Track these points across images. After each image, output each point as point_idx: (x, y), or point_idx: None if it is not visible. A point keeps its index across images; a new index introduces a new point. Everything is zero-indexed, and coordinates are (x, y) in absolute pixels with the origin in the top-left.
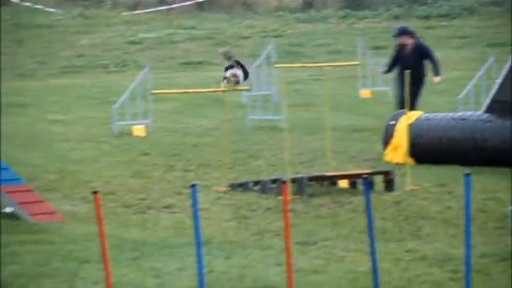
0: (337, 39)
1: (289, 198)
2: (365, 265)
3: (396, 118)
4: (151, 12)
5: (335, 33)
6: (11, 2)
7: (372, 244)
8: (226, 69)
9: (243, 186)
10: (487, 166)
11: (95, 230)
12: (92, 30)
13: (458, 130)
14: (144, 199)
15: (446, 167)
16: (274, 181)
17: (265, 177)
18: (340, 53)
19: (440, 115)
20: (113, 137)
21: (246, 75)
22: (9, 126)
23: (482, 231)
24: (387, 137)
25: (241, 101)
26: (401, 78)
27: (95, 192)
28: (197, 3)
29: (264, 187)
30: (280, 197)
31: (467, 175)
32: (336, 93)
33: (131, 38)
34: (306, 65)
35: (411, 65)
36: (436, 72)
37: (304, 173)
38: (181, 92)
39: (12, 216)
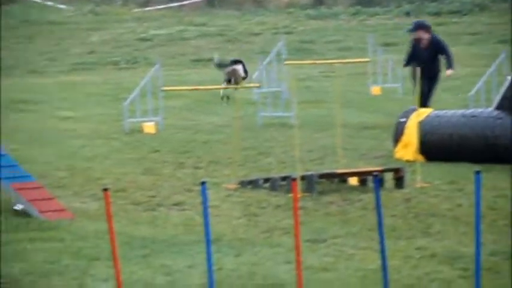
0: (347, 36)
1: (299, 195)
2: (375, 263)
3: (407, 115)
4: (162, 8)
5: (346, 30)
6: None
7: (381, 242)
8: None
9: (253, 184)
10: (497, 163)
11: (105, 227)
12: (102, 27)
13: (469, 127)
14: (154, 196)
15: (457, 164)
16: (284, 178)
17: (275, 174)
18: (350, 50)
19: (450, 112)
20: (123, 134)
21: (245, 71)
22: (19, 123)
23: (492, 229)
24: (397, 134)
25: (252, 98)
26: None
27: (105, 190)
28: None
29: (274, 184)
30: (290, 195)
31: (477, 172)
32: (347, 90)
33: (142, 35)
34: (317, 61)
35: (426, 60)
36: (450, 65)
37: (314, 170)
38: (192, 89)
39: (22, 213)
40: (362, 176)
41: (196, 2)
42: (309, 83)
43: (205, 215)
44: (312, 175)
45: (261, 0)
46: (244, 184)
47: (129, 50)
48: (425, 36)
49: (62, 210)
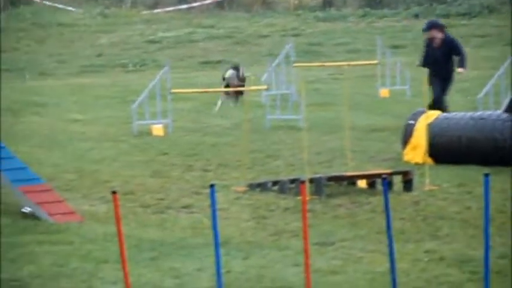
0: (356, 38)
1: (307, 198)
2: (383, 266)
3: (415, 117)
4: (171, 11)
5: (354, 32)
6: (32, 0)
7: (390, 245)
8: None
9: (261, 186)
10: (506, 166)
11: (113, 230)
12: (111, 29)
13: (478, 130)
14: (162, 199)
15: (465, 167)
16: (292, 181)
17: (283, 177)
18: (359, 52)
19: (459, 114)
20: (132, 136)
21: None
22: (28, 125)
23: (501, 232)
24: (406, 136)
25: (260, 101)
26: (432, 74)
27: (114, 192)
28: (217, 1)
29: (282, 187)
30: (299, 197)
31: (486, 175)
32: (355, 93)
33: (151, 37)
34: (325, 64)
35: (439, 59)
36: (462, 64)
37: (322, 173)
38: (201, 92)
39: (31, 216)
40: (371, 178)
41: (205, 4)
42: (317, 85)
43: (214, 218)
44: (320, 178)
45: (270, 2)
46: (252, 187)
47: (138, 52)
48: (438, 35)
49: (70, 212)
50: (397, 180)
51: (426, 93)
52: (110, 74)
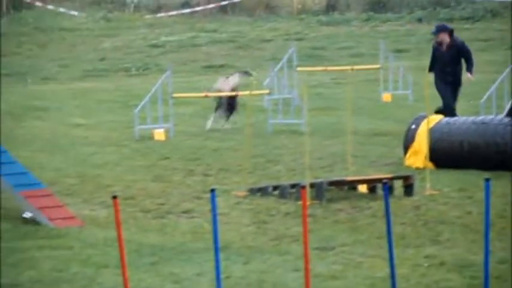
0: (360, 42)
1: (308, 203)
2: (383, 271)
3: (417, 122)
4: (174, 15)
5: (358, 36)
6: (35, 5)
7: (390, 250)
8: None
9: (262, 191)
10: (508, 171)
11: (114, 234)
12: (114, 34)
13: (479, 134)
14: (163, 204)
15: (466, 171)
16: (293, 186)
17: (284, 182)
18: (362, 56)
19: (461, 119)
20: (134, 141)
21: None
22: (30, 130)
23: (501, 236)
24: (408, 141)
25: (262, 105)
26: (440, 78)
27: (114, 197)
28: (220, 6)
29: (283, 192)
30: (300, 202)
31: (487, 180)
32: (358, 97)
33: (154, 41)
34: (328, 68)
35: (447, 63)
36: (470, 70)
37: (323, 177)
38: (203, 96)
39: (31, 221)
40: (371, 183)
41: (208, 8)
42: (320, 89)
43: (214, 223)
44: (321, 182)
45: (273, 6)
46: (253, 191)
47: (141, 56)
48: (447, 39)
49: (71, 217)
50: (398, 185)
51: (428, 98)
52: (112, 78)
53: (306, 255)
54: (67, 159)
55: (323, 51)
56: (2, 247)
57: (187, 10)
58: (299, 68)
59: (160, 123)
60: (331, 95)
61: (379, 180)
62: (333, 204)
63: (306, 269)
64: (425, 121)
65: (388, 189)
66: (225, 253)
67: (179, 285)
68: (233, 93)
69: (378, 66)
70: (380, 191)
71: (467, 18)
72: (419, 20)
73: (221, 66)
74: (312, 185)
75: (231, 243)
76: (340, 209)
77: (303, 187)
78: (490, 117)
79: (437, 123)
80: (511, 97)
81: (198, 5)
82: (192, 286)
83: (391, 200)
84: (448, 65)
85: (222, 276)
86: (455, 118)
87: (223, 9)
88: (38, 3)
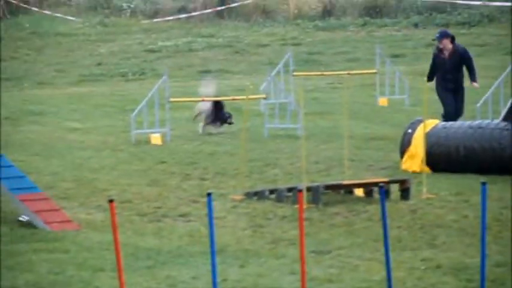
0: (356, 47)
1: (304, 206)
2: (379, 274)
3: (413, 126)
4: (170, 20)
5: (354, 41)
6: (31, 10)
7: (386, 253)
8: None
9: (258, 195)
10: (504, 175)
11: (110, 238)
12: (111, 39)
13: (476, 139)
14: (159, 207)
15: (463, 175)
16: (290, 190)
17: (281, 185)
18: (358, 61)
19: (457, 123)
20: (130, 145)
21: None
22: (27, 134)
23: (497, 240)
24: (404, 145)
25: (259, 109)
26: (442, 85)
27: (110, 201)
28: (217, 11)
29: (279, 196)
30: (296, 206)
31: (483, 184)
32: (354, 102)
33: (150, 46)
34: (325, 73)
35: (449, 69)
36: (474, 78)
37: (320, 181)
38: (198, 100)
39: (27, 224)
40: (368, 187)
41: (204, 13)
42: (316, 94)
43: (211, 226)
44: (318, 186)
45: (270, 11)
46: (250, 195)
47: (137, 61)
48: (449, 45)
49: (67, 221)
50: (395, 188)
51: (425, 103)
52: (109, 83)
53: (302, 259)
54: (63, 163)
55: (319, 56)
56: None
57: (184, 15)
58: (295, 73)
59: (157, 127)
60: (327, 99)
61: (376, 184)
62: (330, 208)
63: (302, 273)
64: (421, 125)
65: (385, 193)
66: (221, 256)
67: None
68: (229, 98)
69: (374, 71)
70: (376, 195)
71: (464, 24)
72: (416, 25)
73: (218, 71)
74: (309, 189)
75: (227, 246)
76: (337, 213)
77: (300, 191)
78: (487, 121)
79: (434, 127)
80: (507, 102)
81: (194, 10)
82: None
83: (388, 204)
84: (450, 72)
85: (218, 279)
86: (451, 122)
87: (219, 14)
88: (35, 9)
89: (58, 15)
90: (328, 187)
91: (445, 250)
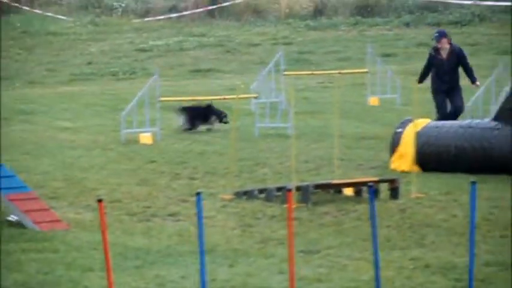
0: (347, 47)
1: (293, 206)
2: (368, 274)
3: (403, 126)
4: (161, 19)
5: (345, 41)
6: (22, 9)
7: (375, 252)
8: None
9: (248, 194)
10: (494, 174)
11: (99, 238)
12: (102, 38)
13: (466, 138)
14: (149, 207)
15: (453, 175)
16: (279, 189)
17: (270, 185)
18: (349, 60)
19: (448, 123)
20: (120, 144)
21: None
22: (18, 133)
23: (486, 239)
24: (394, 144)
25: (250, 109)
26: (438, 86)
27: (99, 200)
28: (208, 10)
29: (269, 195)
30: (285, 205)
31: (473, 183)
32: (345, 101)
33: (141, 45)
34: (315, 72)
35: (447, 70)
36: (474, 77)
37: (310, 180)
38: (189, 100)
39: (16, 224)
40: (357, 186)
41: (196, 12)
42: (307, 93)
43: (200, 226)
44: (307, 186)
45: (261, 10)
46: (239, 195)
47: (128, 60)
48: (447, 45)
49: (56, 220)
50: (384, 188)
51: (416, 102)
52: (100, 82)
53: (291, 258)
54: (54, 162)
55: (310, 56)
56: None
57: (175, 14)
58: (286, 72)
59: (147, 127)
60: (318, 99)
61: (365, 183)
62: (319, 207)
63: (291, 272)
64: (411, 125)
65: (374, 192)
66: (210, 256)
67: None
68: (220, 97)
69: (365, 70)
70: (366, 194)
71: (455, 23)
72: (407, 25)
73: (209, 70)
74: (298, 188)
75: (216, 246)
76: (326, 212)
77: (289, 190)
78: (477, 121)
79: (425, 127)
80: (497, 101)
81: (185, 9)
82: None
83: (377, 203)
84: (447, 73)
85: (207, 279)
86: (442, 122)
87: (211, 14)
88: (26, 8)
89: (49, 14)
90: (318, 186)
91: (434, 249)
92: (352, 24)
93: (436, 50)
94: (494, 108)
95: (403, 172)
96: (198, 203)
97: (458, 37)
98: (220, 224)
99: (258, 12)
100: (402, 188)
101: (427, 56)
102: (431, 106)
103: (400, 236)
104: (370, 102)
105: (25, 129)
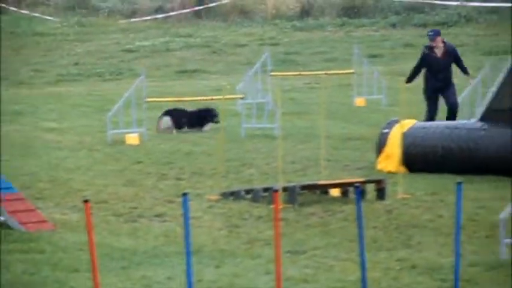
0: (334, 47)
1: (280, 206)
2: (354, 274)
3: (390, 126)
4: (148, 20)
5: (332, 41)
6: (9, 9)
7: (361, 253)
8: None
9: (234, 195)
10: (480, 175)
11: (85, 238)
12: (88, 38)
13: (452, 139)
14: (135, 208)
15: (439, 175)
16: (266, 190)
17: (257, 185)
18: (336, 61)
19: (434, 123)
20: (106, 145)
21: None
22: (4, 134)
23: (472, 240)
24: (380, 145)
25: (236, 109)
26: (431, 85)
27: (85, 201)
28: (194, 11)
29: (255, 196)
30: (272, 206)
31: (458, 184)
32: (331, 102)
33: (127, 46)
34: (302, 73)
35: (442, 69)
36: (468, 73)
37: (296, 181)
38: (176, 100)
39: (2, 224)
40: (344, 187)
41: (182, 13)
42: (293, 94)
43: (186, 227)
44: (294, 186)
45: (248, 11)
46: (226, 195)
47: (114, 61)
48: (441, 44)
49: (42, 221)
50: (370, 188)
51: (402, 103)
52: (86, 83)
53: (277, 259)
54: (40, 163)
55: (297, 56)
56: None
57: (162, 15)
58: (273, 73)
59: (134, 127)
60: (304, 99)
61: (352, 184)
62: (306, 208)
63: (278, 273)
64: (397, 125)
65: (361, 193)
66: (197, 257)
67: None
68: (207, 98)
69: (351, 71)
70: (352, 195)
71: (441, 24)
72: (393, 25)
73: (195, 71)
74: (285, 189)
75: (203, 246)
76: (313, 213)
77: (276, 191)
78: (463, 121)
79: (411, 127)
80: (483, 102)
81: (172, 9)
82: None
83: (364, 204)
84: (442, 71)
85: (194, 279)
86: (429, 123)
87: (197, 14)
88: (13, 8)
89: (36, 15)
90: (304, 187)
91: (420, 250)
92: (339, 25)
93: (431, 48)
94: (480, 109)
95: (389, 173)
96: (185, 203)
97: (445, 38)
98: (206, 225)
99: (244, 13)
100: (389, 189)
101: (419, 55)
102: (418, 107)
103: (387, 237)
104: (357, 103)
105: (12, 130)
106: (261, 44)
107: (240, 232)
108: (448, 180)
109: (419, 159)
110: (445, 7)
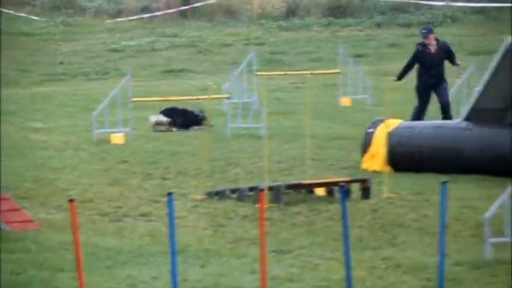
0: (319, 47)
1: (265, 206)
2: (340, 273)
3: (375, 126)
4: (134, 19)
5: (317, 41)
6: None
7: (346, 252)
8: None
9: (220, 194)
10: (465, 174)
11: (70, 238)
12: (74, 38)
13: (438, 138)
14: (120, 207)
15: (425, 175)
16: (251, 189)
17: (242, 185)
18: (322, 61)
19: (421, 124)
20: (92, 144)
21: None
22: None
23: (457, 239)
24: (365, 144)
25: (222, 109)
26: (425, 82)
27: (71, 201)
28: (180, 11)
29: (241, 195)
30: (257, 205)
31: (443, 183)
32: (317, 101)
33: (113, 46)
34: (288, 72)
35: (435, 66)
36: (455, 61)
37: (282, 181)
38: (162, 100)
39: None
40: (329, 186)
41: (168, 13)
42: (279, 94)
43: (171, 226)
44: (279, 186)
45: (233, 11)
46: (211, 195)
47: (100, 61)
48: (434, 41)
49: (28, 221)
50: (356, 188)
51: (387, 102)
52: (72, 83)
53: (262, 258)
54: (25, 163)
55: (283, 56)
56: None
57: (147, 15)
58: (259, 73)
59: (119, 127)
60: (290, 99)
61: (337, 183)
62: (291, 207)
63: (263, 272)
64: (382, 125)
65: (346, 192)
66: (182, 256)
67: None
68: (193, 98)
69: (337, 70)
70: (337, 194)
71: (426, 24)
72: (379, 25)
73: (181, 70)
74: (270, 188)
75: (188, 246)
76: (298, 212)
77: (261, 190)
78: (448, 121)
79: (397, 127)
80: (468, 102)
81: (158, 9)
82: None
83: (349, 203)
84: (435, 67)
85: (179, 279)
86: (416, 122)
87: (183, 14)
88: None
89: (22, 14)
90: (290, 186)
91: (405, 249)
92: (325, 25)
93: (424, 45)
94: (465, 109)
95: (374, 172)
96: (170, 203)
97: None
98: (192, 224)
99: (230, 13)
100: (374, 188)
101: (407, 54)
102: (403, 106)
103: (372, 236)
104: (342, 102)
105: None
106: (247, 44)
107: (225, 231)
108: (433, 180)
109: (404, 158)
110: (431, 7)
